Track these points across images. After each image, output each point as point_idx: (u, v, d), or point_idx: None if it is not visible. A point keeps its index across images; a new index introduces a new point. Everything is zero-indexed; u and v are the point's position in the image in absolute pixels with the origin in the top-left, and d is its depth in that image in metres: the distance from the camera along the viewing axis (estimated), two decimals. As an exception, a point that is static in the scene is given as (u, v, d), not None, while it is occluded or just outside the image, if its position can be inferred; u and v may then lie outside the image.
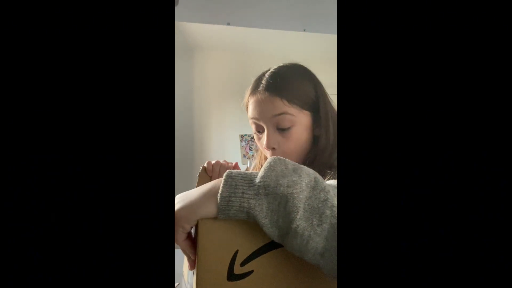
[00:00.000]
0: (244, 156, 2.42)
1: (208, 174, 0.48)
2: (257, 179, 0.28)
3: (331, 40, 2.30)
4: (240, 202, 0.27)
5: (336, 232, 0.26)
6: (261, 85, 0.53)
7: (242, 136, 2.48)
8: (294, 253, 0.28)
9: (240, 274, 0.29)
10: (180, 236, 0.30)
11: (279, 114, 0.50)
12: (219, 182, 0.28)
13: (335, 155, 0.51)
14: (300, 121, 0.51)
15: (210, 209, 0.28)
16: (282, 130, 0.51)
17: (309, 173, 0.29)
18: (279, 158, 0.30)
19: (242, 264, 0.29)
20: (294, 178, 0.27)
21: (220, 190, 0.28)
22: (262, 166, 0.53)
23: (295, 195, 0.26)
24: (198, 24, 2.05)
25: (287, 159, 0.30)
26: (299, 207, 0.26)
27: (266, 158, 0.59)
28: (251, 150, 2.47)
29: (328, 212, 0.27)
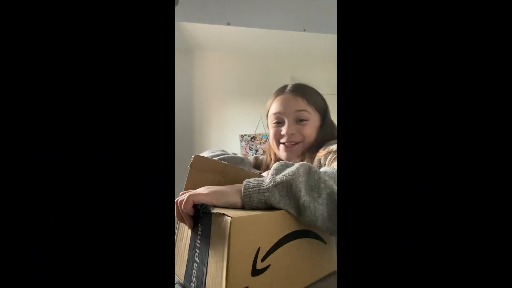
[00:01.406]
0: (244, 156, 2.42)
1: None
2: (267, 179, 0.37)
3: (331, 40, 2.30)
4: (258, 196, 0.35)
5: (332, 198, 0.35)
6: (287, 88, 0.71)
7: (242, 136, 2.48)
8: (310, 224, 0.35)
9: (261, 269, 0.31)
10: (189, 206, 0.35)
11: (301, 110, 0.66)
12: (241, 185, 0.37)
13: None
14: (313, 119, 0.68)
15: (236, 200, 0.36)
16: (300, 121, 0.67)
17: (303, 164, 0.38)
18: (281, 163, 0.39)
19: (263, 259, 0.31)
20: (292, 169, 0.36)
21: (242, 190, 0.36)
22: (271, 159, 0.74)
23: (296, 179, 0.35)
24: (198, 24, 2.05)
25: (288, 162, 0.39)
26: (301, 187, 0.35)
27: (275, 153, 0.73)
28: (251, 150, 2.47)
29: (322, 185, 0.36)
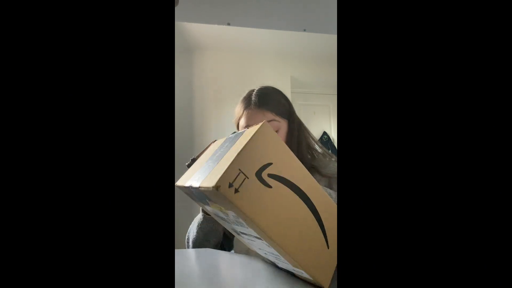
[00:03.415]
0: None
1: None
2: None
3: (331, 40, 2.30)
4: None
5: None
6: (252, 101, 0.72)
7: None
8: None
9: (264, 180, 0.32)
10: None
11: (269, 121, 0.68)
12: None
13: (302, 155, 0.70)
14: (283, 126, 0.70)
15: None
16: None
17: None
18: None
19: (270, 175, 0.32)
20: None
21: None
22: None
23: None
24: (198, 24, 2.05)
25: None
26: None
27: None
28: (251, 150, 2.46)
29: None
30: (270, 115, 0.69)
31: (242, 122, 0.71)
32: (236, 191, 0.29)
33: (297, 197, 0.34)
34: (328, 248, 0.36)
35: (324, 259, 0.36)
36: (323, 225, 0.36)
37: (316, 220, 0.36)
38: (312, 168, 0.67)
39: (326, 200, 0.37)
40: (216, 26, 1.76)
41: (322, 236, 0.36)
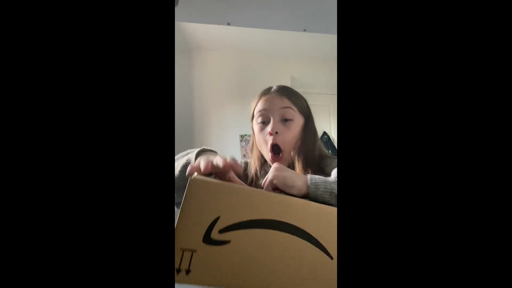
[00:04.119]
0: (244, 156, 2.42)
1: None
2: (332, 176, 0.43)
3: (331, 40, 2.30)
4: (325, 186, 0.40)
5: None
6: (272, 89, 0.71)
7: (242, 136, 2.48)
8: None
9: (216, 240, 0.28)
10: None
11: (286, 107, 0.66)
12: (304, 176, 0.42)
13: (312, 157, 0.69)
14: (298, 119, 0.68)
15: (302, 186, 0.40)
16: (285, 121, 0.67)
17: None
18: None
19: (221, 231, 0.29)
20: None
21: (308, 179, 0.41)
22: (259, 162, 0.73)
23: None
24: (198, 24, 2.05)
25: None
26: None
27: (261, 154, 0.71)
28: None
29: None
30: (288, 102, 0.67)
31: (258, 106, 0.69)
32: (188, 272, 0.26)
33: (268, 230, 0.30)
34: (332, 258, 0.32)
35: (332, 272, 0.31)
36: (315, 240, 0.32)
37: (305, 239, 0.31)
38: (320, 169, 0.66)
39: (308, 211, 0.33)
40: (216, 26, 1.76)
41: (320, 251, 0.32)
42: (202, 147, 0.58)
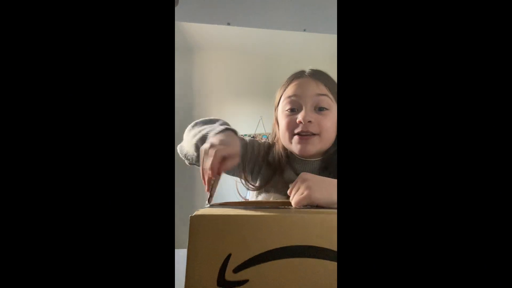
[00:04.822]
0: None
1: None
2: None
3: (331, 40, 2.30)
4: None
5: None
6: (306, 72, 0.60)
7: (242, 136, 2.47)
8: None
9: (234, 282, 0.26)
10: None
11: (322, 95, 0.56)
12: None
13: None
14: (334, 110, 0.57)
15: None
16: (320, 109, 0.56)
17: None
18: None
19: (236, 270, 0.26)
20: None
21: None
22: (283, 151, 0.61)
23: None
24: (198, 24, 2.05)
25: None
26: None
27: (285, 150, 0.61)
28: (251, 150, 2.45)
29: None
30: (324, 89, 0.56)
31: (288, 92, 0.58)
32: None
33: (288, 259, 0.27)
34: None
35: None
36: (333, 253, 0.28)
37: (330, 259, 0.28)
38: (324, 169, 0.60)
39: (326, 227, 0.29)
40: (216, 26, 1.76)
41: None
42: (224, 127, 0.52)
